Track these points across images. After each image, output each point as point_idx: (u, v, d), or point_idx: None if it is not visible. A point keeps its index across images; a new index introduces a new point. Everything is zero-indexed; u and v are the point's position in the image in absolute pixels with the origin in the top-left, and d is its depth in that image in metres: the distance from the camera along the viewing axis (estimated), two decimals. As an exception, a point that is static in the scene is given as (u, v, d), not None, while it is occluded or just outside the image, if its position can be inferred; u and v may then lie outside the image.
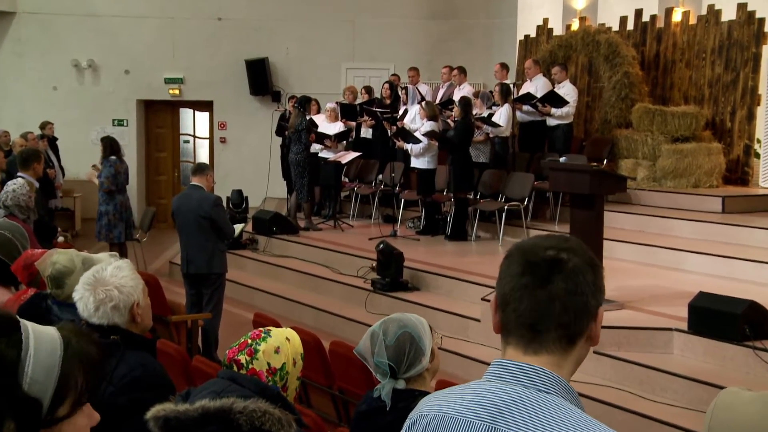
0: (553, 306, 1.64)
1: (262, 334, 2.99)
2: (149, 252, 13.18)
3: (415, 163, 11.91)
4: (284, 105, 16.12)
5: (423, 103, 12.14)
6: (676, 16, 12.87)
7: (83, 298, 3.15)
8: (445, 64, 14.08)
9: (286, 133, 12.79)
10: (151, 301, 3.35)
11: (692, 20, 12.68)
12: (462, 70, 13.29)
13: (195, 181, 7.97)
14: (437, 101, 13.07)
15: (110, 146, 11.21)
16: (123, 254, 11.00)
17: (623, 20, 13.58)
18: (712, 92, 12.34)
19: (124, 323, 3.15)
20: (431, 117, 11.73)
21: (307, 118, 12.81)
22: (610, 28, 13.50)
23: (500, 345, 1.73)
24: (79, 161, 15.81)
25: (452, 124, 12.06)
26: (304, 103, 12.41)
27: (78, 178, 16.22)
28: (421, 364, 3.25)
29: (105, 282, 3.16)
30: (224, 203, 10.63)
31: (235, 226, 8.47)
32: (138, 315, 3.18)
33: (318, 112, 13.95)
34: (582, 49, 13.50)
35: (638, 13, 13.41)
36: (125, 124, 17.14)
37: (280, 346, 2.97)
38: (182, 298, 8.46)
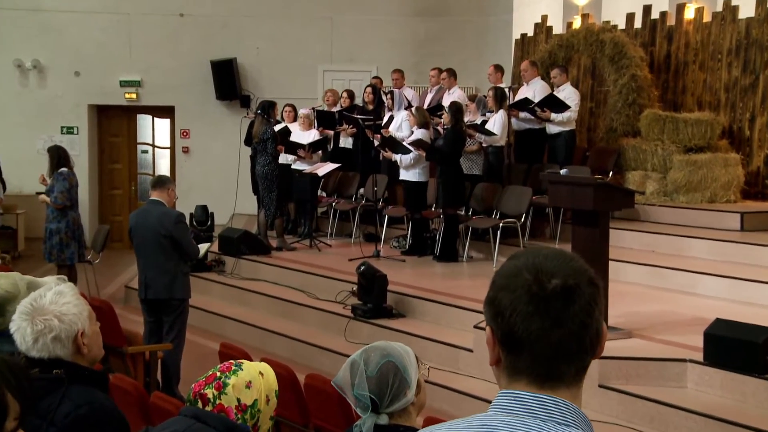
0: (571, 344, 1.65)
1: (233, 367, 2.99)
2: (102, 275, 13.10)
3: (405, 175, 11.93)
4: (254, 111, 16.12)
5: (413, 108, 12.18)
6: (689, 13, 12.99)
7: (20, 329, 3.12)
8: (434, 65, 14.15)
9: (252, 143, 12.80)
10: (105, 330, 3.34)
11: (706, 17, 12.79)
12: (452, 73, 13.36)
13: (154, 195, 7.95)
14: (425, 107, 13.11)
15: (59, 157, 11.16)
16: (73, 277, 10.95)
17: (630, 17, 13.69)
18: (729, 97, 12.44)
19: (67, 355, 3.12)
20: (422, 124, 11.76)
21: (279, 125, 12.81)
22: (615, 27, 13.60)
23: (498, 378, 1.73)
24: (23, 174, 15.73)
25: (442, 132, 12.10)
26: (268, 109, 12.41)
27: (21, 193, 16.13)
28: (406, 397, 3.24)
29: (44, 311, 3.12)
30: (187, 220, 10.60)
31: (199, 245, 8.45)
32: (84, 345, 3.15)
33: (294, 119, 13.96)
34: (585, 50, 13.59)
35: (647, 9, 13.53)
36: (75, 131, 17.08)
37: (252, 380, 2.97)
38: (140, 327, 8.42)
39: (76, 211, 11.33)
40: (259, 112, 12.47)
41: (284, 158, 13.13)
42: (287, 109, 13.89)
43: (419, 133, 11.67)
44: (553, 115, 11.99)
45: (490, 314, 1.70)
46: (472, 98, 12.81)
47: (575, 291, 1.66)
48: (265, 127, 12.24)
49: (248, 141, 14.48)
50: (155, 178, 8.45)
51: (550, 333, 1.64)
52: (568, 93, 12.18)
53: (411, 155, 11.66)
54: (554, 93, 12.17)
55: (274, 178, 12.29)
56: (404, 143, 11.83)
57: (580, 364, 1.69)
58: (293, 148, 12.97)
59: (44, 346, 3.10)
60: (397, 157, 11.90)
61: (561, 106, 11.92)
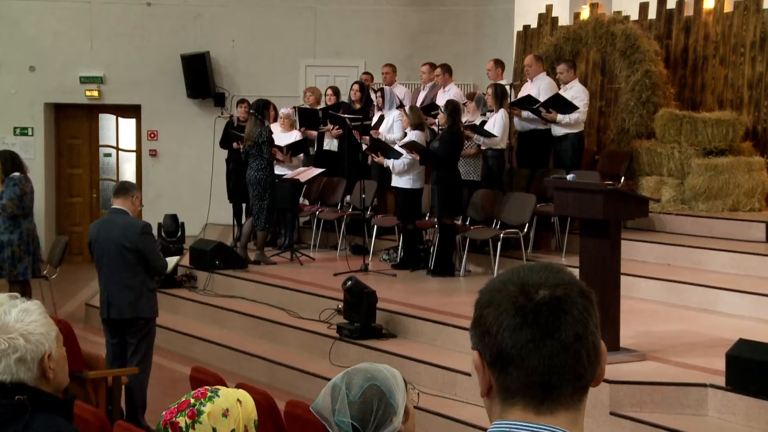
0: (566, 357, 1.67)
1: (209, 393, 2.99)
2: (60, 292, 13.07)
3: (397, 182, 11.94)
4: (230, 110, 16.12)
5: (406, 108, 12.18)
6: (708, 3, 13.04)
7: (-20, 348, 3.12)
8: (428, 60, 14.17)
9: (241, 146, 12.78)
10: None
11: (728, 7, 12.85)
12: (447, 69, 13.39)
13: (117, 204, 7.94)
14: (418, 105, 13.13)
15: (11, 161, 11.12)
16: (27, 294, 10.89)
17: (644, 7, 13.74)
18: (753, 95, 12.48)
19: (32, 380, 3.11)
20: (417, 125, 11.76)
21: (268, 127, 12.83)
22: (627, 17, 13.64)
23: (490, 410, 1.74)
24: (-26, 179, 15.68)
25: (437, 133, 12.11)
26: (262, 109, 12.41)
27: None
28: (392, 425, 3.24)
29: (8, 329, 3.11)
30: (155, 231, 10.58)
31: (168, 259, 8.43)
32: (50, 370, 3.14)
33: (274, 119, 13.96)
34: (594, 43, 13.63)
35: (662, -2, 13.58)
36: (30, 133, 17.04)
37: (230, 408, 2.97)
38: (101, 349, 8.40)
39: (31, 221, 11.30)
40: (252, 111, 12.48)
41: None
42: (271, 108, 13.87)
43: (413, 135, 11.67)
44: (560, 117, 12.00)
45: (477, 335, 1.73)
46: (470, 96, 12.83)
47: (565, 300, 1.69)
48: (259, 128, 12.25)
49: (223, 143, 14.49)
50: (118, 184, 8.44)
51: (542, 345, 1.66)
52: (576, 91, 12.19)
53: (404, 160, 11.67)
54: (560, 92, 12.18)
55: (268, 185, 12.29)
56: (396, 146, 11.84)
57: (579, 383, 1.69)
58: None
59: (7, 367, 3.09)
60: (389, 162, 11.90)
61: (568, 107, 11.93)
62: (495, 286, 1.74)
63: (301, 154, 13.73)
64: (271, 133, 12.52)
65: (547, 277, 1.71)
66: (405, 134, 12.06)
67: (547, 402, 1.68)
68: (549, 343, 1.66)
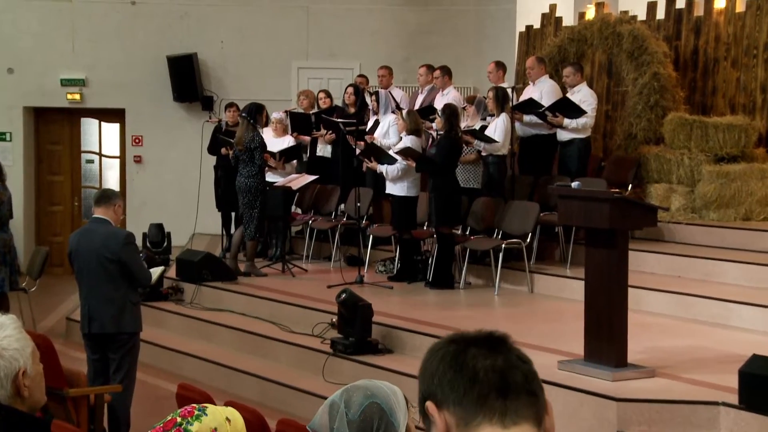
0: (513, 374, 1.83)
1: (196, 412, 2.97)
2: (39, 305, 13.04)
3: (391, 189, 11.94)
4: (218, 114, 16.11)
5: (403, 112, 12.17)
6: (719, 2, 13.06)
7: (-48, 364, 3.10)
8: (426, 62, 14.16)
9: (230, 151, 12.77)
10: (43, 369, 3.31)
11: (740, 7, 12.87)
12: (446, 71, 13.39)
13: (98, 213, 7.92)
14: (415, 109, 13.13)
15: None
16: (4, 308, 10.88)
17: (652, 6, 13.76)
18: (766, 99, 12.50)
19: (5, 398, 3.09)
20: (413, 130, 11.76)
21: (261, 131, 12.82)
22: (635, 17, 13.67)
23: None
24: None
25: (434, 138, 12.11)
26: (255, 113, 12.40)
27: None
28: (393, 444, 3.23)
29: (-21, 345, 3.11)
30: (140, 241, 10.58)
31: (152, 270, 8.42)
32: (25, 387, 3.12)
33: (266, 124, 13.96)
34: (599, 44, 13.65)
35: (670, -3, 13.60)
36: (8, 138, 17.03)
37: (219, 427, 2.95)
38: (83, 366, 8.37)
39: (8, 231, 11.27)
40: (244, 115, 12.47)
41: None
42: (264, 112, 13.84)
43: (407, 140, 11.67)
44: (566, 121, 12.01)
45: (425, 383, 1.90)
46: (470, 100, 12.83)
47: (504, 337, 1.88)
48: (251, 133, 12.24)
49: (212, 149, 14.48)
50: (99, 192, 8.42)
51: (488, 357, 1.83)
52: (584, 95, 12.20)
53: (398, 165, 11.67)
54: (568, 95, 12.18)
55: (259, 192, 12.28)
56: (391, 151, 11.83)
57: (533, 402, 1.82)
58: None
59: (-22, 385, 3.07)
60: (382, 167, 11.90)
61: (575, 111, 11.93)
62: (431, 348, 1.95)
63: (294, 161, 13.71)
64: (263, 138, 12.51)
65: (484, 330, 1.91)
66: (401, 139, 12.06)
67: (509, 414, 1.80)
68: (492, 359, 1.83)
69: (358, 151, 12.70)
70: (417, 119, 11.98)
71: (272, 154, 13.03)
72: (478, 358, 1.83)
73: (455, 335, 1.92)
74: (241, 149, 12.32)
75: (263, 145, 12.35)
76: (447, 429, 1.83)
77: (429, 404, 1.86)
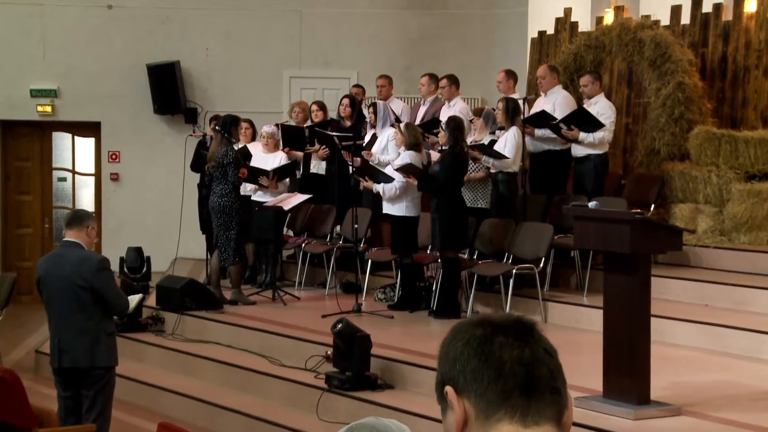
0: (539, 368, 1.89)
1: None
2: (6, 337, 13.02)
3: (389, 209, 11.94)
4: (203, 128, 16.12)
5: (402, 125, 12.18)
6: (750, 6, 13.09)
7: None
8: (428, 71, 14.17)
9: (206, 167, 12.78)
10: (10, 406, 3.30)
11: (771, 11, 12.91)
12: (453, 80, 13.41)
13: (70, 236, 7.91)
14: (417, 122, 13.14)
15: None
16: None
17: (676, 10, 13.78)
18: (800, 111, 12.53)
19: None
20: (412, 145, 11.77)
21: (237, 145, 12.80)
22: (657, 22, 13.68)
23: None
24: None
25: (437, 154, 12.11)
26: (229, 125, 12.39)
27: None
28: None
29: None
30: (116, 266, 10.56)
31: (130, 298, 8.41)
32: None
33: (253, 138, 13.95)
34: (619, 51, 13.67)
35: (696, 1, 13.62)
36: (-25, 154, 17.05)
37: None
38: (53, 403, 8.35)
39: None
40: (217, 128, 12.44)
41: (241, 188, 13.11)
42: (244, 125, 13.86)
43: (407, 156, 11.67)
44: (582, 135, 12.00)
45: (447, 366, 1.95)
46: (477, 112, 12.82)
47: (532, 325, 1.95)
48: (225, 148, 12.21)
49: (196, 166, 14.47)
50: (70, 213, 8.42)
51: (514, 347, 1.89)
52: (601, 107, 12.20)
53: (396, 184, 11.66)
54: (585, 106, 12.18)
55: (234, 212, 12.25)
56: (389, 168, 11.83)
57: (555, 400, 1.90)
58: (254, 174, 12.95)
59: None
60: (378, 187, 11.90)
61: (592, 124, 11.93)
62: (457, 327, 1.99)
63: (287, 179, 13.70)
64: (241, 151, 12.49)
65: (509, 316, 1.97)
66: (400, 155, 12.05)
67: (531, 414, 1.87)
68: (520, 350, 1.89)
69: (352, 169, 12.67)
70: (417, 132, 11.97)
71: (265, 172, 13.03)
72: (505, 348, 1.89)
73: (482, 318, 1.97)
74: (213, 165, 12.30)
75: (237, 160, 12.28)
76: (465, 417, 1.91)
77: (449, 389, 1.93)
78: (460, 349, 1.93)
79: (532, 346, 1.90)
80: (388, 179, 11.73)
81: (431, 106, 13.66)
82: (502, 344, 1.89)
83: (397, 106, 14.02)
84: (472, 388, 1.90)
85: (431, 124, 12.79)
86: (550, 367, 1.90)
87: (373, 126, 13.14)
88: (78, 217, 8.04)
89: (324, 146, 13.63)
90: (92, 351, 7.93)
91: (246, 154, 13.13)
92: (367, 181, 12.15)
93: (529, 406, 1.87)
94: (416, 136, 11.88)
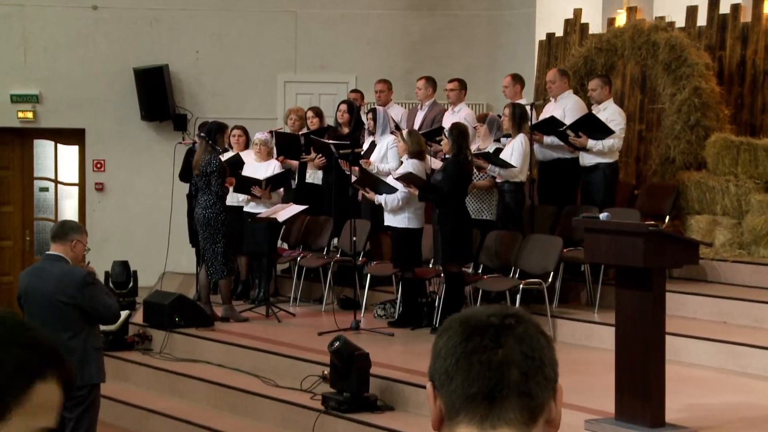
0: (509, 372, 1.97)
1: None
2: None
3: (391, 220, 11.95)
4: (193, 135, 16.12)
5: (404, 132, 12.18)
6: (769, 7, 13.13)
7: None
8: (431, 75, 14.19)
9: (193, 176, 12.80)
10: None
11: (792, 12, 12.94)
12: (463, 85, 13.43)
13: (54, 249, 7.92)
14: (420, 129, 13.14)
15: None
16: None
17: (692, 12, 13.80)
18: (823, 117, 12.54)
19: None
20: (415, 153, 11.76)
21: (227, 154, 12.80)
22: (672, 24, 13.71)
23: None
24: None
25: (440, 162, 12.12)
26: (214, 133, 12.38)
27: None
28: None
29: None
30: (101, 281, 10.55)
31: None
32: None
33: (247, 146, 13.95)
34: (631, 55, 13.69)
35: (713, 1, 13.64)
36: (-48, 163, 17.06)
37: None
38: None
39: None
40: (202, 135, 12.43)
41: (233, 198, 13.11)
42: (236, 133, 13.88)
43: (409, 165, 11.67)
44: (591, 143, 12.02)
45: (431, 362, 2.09)
46: (481, 118, 12.82)
47: (513, 326, 2.01)
48: (209, 156, 12.21)
49: (185, 175, 14.46)
50: (56, 225, 8.41)
51: (483, 354, 1.97)
52: (611, 113, 12.21)
53: (398, 194, 11.67)
54: (593, 112, 12.20)
55: (219, 224, 12.25)
56: (390, 178, 11.83)
57: (527, 402, 1.96)
58: (246, 184, 12.95)
59: None
60: (380, 198, 11.90)
61: (601, 131, 11.95)
62: (452, 319, 2.09)
63: (281, 189, 13.70)
64: (234, 159, 12.48)
65: (500, 310, 2.06)
66: (401, 163, 12.06)
67: (490, 418, 1.96)
68: (491, 353, 1.97)
69: (353, 178, 12.66)
70: (420, 140, 11.96)
71: (258, 182, 13.03)
72: (476, 352, 1.98)
73: (469, 314, 2.07)
74: (197, 174, 12.30)
75: (222, 169, 12.27)
76: (441, 416, 2.04)
77: (428, 386, 2.09)
78: (440, 346, 2.05)
79: (509, 347, 1.98)
80: (391, 189, 11.72)
81: (429, 111, 13.67)
82: (475, 347, 1.98)
83: (397, 112, 14.04)
84: (443, 387, 2.02)
85: (435, 132, 12.76)
86: (523, 369, 1.97)
87: (372, 133, 13.13)
88: (63, 231, 8.04)
89: (320, 155, 13.62)
90: (82, 370, 7.91)
91: (238, 163, 13.13)
92: (368, 191, 12.13)
93: (490, 410, 1.96)
94: (419, 144, 11.87)
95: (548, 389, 2.00)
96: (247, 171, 13.19)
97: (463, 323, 2.04)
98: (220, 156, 12.45)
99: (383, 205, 11.92)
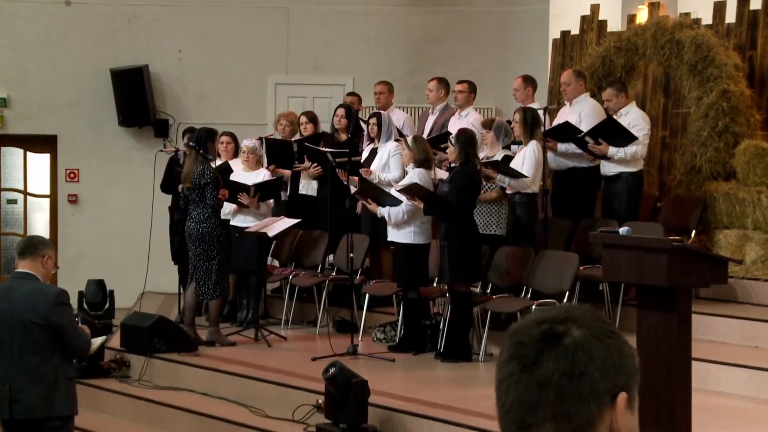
0: (544, 393, 2.00)
1: None
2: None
3: (395, 235, 11.93)
4: (175, 142, 16.14)
5: (409, 138, 12.16)
6: (804, 2, 13.15)
7: None
8: (433, 76, 14.20)
9: (180, 188, 12.77)
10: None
11: (828, 8, 12.96)
12: (473, 87, 13.43)
13: (23, 266, 7.92)
14: (424, 134, 13.14)
15: None
16: None
17: (719, 8, 13.81)
18: None
19: None
20: (422, 161, 11.74)
21: (216, 162, 12.80)
22: (698, 21, 13.72)
23: None
24: None
25: (445, 172, 12.12)
26: (205, 140, 12.37)
27: None
28: None
29: None
30: (74, 302, 10.55)
31: (92, 340, 8.40)
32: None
33: (235, 154, 13.95)
34: (654, 55, 13.70)
35: (742, -4, 13.67)
36: None
37: None
38: (3, 460, 8.36)
39: None
40: (191, 144, 12.42)
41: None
42: (225, 139, 13.88)
43: (414, 175, 11.65)
44: (612, 150, 12.02)
45: None
46: (486, 124, 12.79)
47: (560, 336, 2.04)
48: (201, 166, 12.18)
49: (167, 186, 14.47)
50: (24, 241, 8.41)
51: (518, 380, 2.03)
52: (633, 118, 12.20)
53: (403, 207, 11.66)
54: (614, 117, 12.18)
55: (215, 240, 12.23)
56: (393, 190, 11.84)
57: (561, 426, 1.99)
58: (232, 191, 12.92)
59: None
60: (383, 210, 11.89)
61: (624, 137, 11.94)
62: (513, 325, 2.13)
63: (271, 200, 13.70)
64: (215, 171, 12.48)
65: (558, 313, 2.08)
66: (405, 173, 12.05)
67: None
68: (525, 378, 2.02)
69: (353, 189, 12.65)
70: (426, 147, 11.91)
71: (246, 188, 13.02)
72: (513, 374, 2.04)
73: (521, 324, 2.10)
74: (189, 186, 12.27)
75: (216, 180, 12.27)
76: None
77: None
78: (497, 368, 2.11)
79: (546, 366, 2.01)
80: (395, 201, 11.71)
81: (441, 115, 13.66)
82: (512, 370, 2.04)
83: (399, 117, 14.03)
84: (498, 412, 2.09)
85: (440, 138, 12.76)
86: (560, 390, 1.99)
87: (372, 140, 13.10)
88: (32, 245, 8.04)
89: (315, 163, 13.62)
90: (50, 399, 7.90)
91: (227, 171, 13.12)
92: (370, 203, 12.11)
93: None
94: (426, 151, 11.78)
95: (596, 404, 2.01)
96: (235, 179, 13.17)
97: (511, 337, 2.08)
98: (213, 166, 12.46)
99: (387, 218, 11.89)
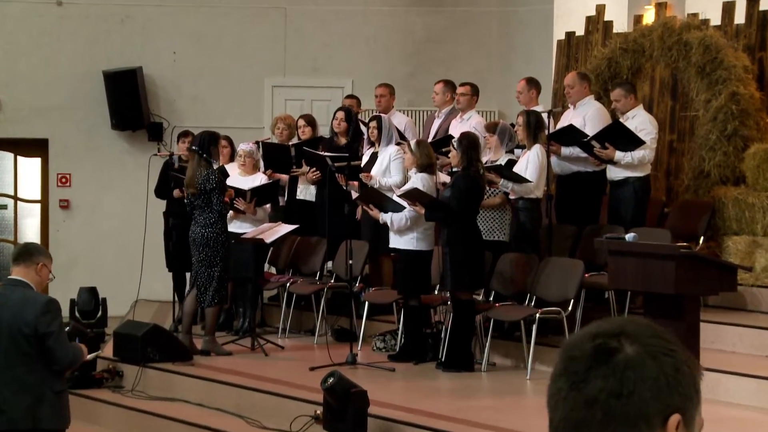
0: (591, 412, 1.99)
1: None
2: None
3: (397, 242, 11.92)
4: (169, 146, 16.13)
5: (412, 142, 12.15)
6: (815, 3, 13.15)
7: None
8: (435, 78, 14.20)
9: (185, 193, 12.76)
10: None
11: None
12: (476, 90, 13.43)
13: (17, 273, 7.91)
14: (429, 138, 13.14)
15: None
16: None
17: (728, 8, 13.80)
18: None
19: None
20: (425, 166, 11.73)
21: (216, 166, 12.81)
22: (707, 22, 13.71)
23: None
24: None
25: (447, 177, 12.12)
26: (208, 144, 12.38)
27: None
28: None
29: None
30: (66, 310, 10.54)
31: (87, 352, 8.39)
32: None
33: (232, 158, 13.94)
34: (661, 56, 13.70)
35: (752, -3, 13.67)
36: None
37: None
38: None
39: None
40: (194, 148, 12.43)
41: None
42: (222, 143, 13.87)
43: (417, 180, 11.64)
44: (619, 155, 12.01)
45: None
46: (490, 127, 12.79)
47: (612, 353, 2.03)
48: (206, 171, 12.19)
49: (161, 191, 14.46)
50: (18, 247, 8.41)
51: (566, 397, 2.03)
52: (640, 121, 12.20)
53: (406, 213, 11.65)
54: (620, 120, 12.18)
55: (219, 245, 12.22)
56: (395, 195, 11.84)
57: None
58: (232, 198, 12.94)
59: None
60: (386, 216, 11.88)
61: (631, 141, 11.94)
62: (570, 336, 2.16)
63: (268, 205, 13.69)
64: (221, 175, 12.49)
65: (614, 327, 2.07)
66: (406, 178, 12.05)
67: None
68: (572, 395, 2.02)
69: (354, 195, 12.64)
70: (429, 151, 11.89)
71: (242, 192, 13.02)
72: (560, 398, 2.04)
73: (576, 337, 2.12)
74: (193, 192, 12.27)
75: (221, 184, 12.30)
76: None
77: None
78: (551, 376, 2.12)
79: (593, 385, 2.00)
80: (398, 207, 11.70)
81: (446, 119, 13.64)
82: (560, 387, 2.05)
83: (400, 120, 14.02)
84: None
85: (442, 141, 12.76)
86: (606, 410, 1.98)
87: (372, 143, 13.09)
88: (26, 252, 8.03)
89: (314, 168, 13.61)
90: (35, 410, 7.87)
91: (223, 175, 13.12)
92: (372, 209, 12.09)
93: None
94: (429, 156, 11.76)
95: (647, 426, 2.00)
96: (232, 184, 13.17)
97: (564, 350, 2.10)
98: (217, 171, 12.47)
99: (389, 224, 11.88)
